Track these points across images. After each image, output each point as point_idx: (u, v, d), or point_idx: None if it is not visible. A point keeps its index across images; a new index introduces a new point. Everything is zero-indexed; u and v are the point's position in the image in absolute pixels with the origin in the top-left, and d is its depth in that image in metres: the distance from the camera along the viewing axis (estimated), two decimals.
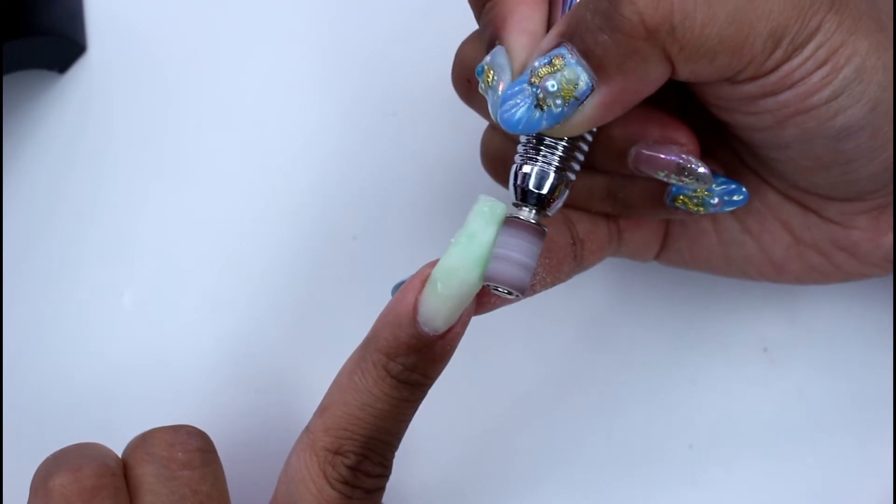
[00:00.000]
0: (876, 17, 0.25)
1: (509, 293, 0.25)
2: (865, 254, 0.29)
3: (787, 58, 0.24)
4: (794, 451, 0.34)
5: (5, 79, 0.40)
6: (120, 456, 0.29)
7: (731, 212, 0.30)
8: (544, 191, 0.25)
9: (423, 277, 0.25)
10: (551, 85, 0.24)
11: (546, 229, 0.25)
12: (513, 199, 0.25)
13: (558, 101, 0.24)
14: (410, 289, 0.25)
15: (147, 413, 0.36)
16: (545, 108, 0.24)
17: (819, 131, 0.25)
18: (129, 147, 0.40)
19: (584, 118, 0.24)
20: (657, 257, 0.32)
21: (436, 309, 0.25)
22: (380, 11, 0.40)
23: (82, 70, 0.41)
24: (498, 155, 0.29)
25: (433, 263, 0.25)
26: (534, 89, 0.24)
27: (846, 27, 0.24)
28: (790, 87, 0.24)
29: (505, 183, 0.29)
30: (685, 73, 0.24)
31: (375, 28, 0.39)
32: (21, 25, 0.38)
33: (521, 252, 0.24)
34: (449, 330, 0.25)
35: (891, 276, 0.31)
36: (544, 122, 0.24)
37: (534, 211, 0.25)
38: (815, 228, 0.30)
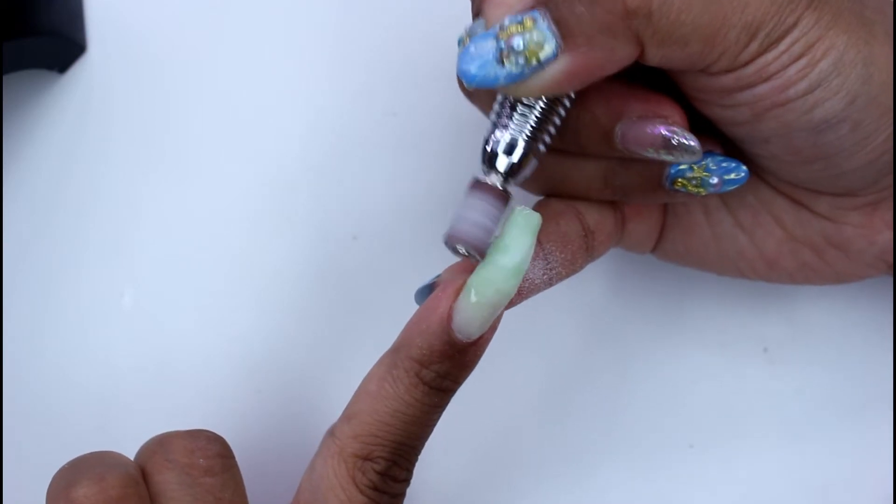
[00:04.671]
0: (858, 13, 0.25)
1: (467, 253, 0.25)
2: (858, 252, 0.29)
3: (763, 51, 0.24)
4: (794, 450, 0.34)
5: (5, 79, 0.39)
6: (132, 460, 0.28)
7: (724, 205, 0.30)
8: (514, 159, 0.25)
9: (456, 287, 0.25)
10: (517, 43, 0.23)
11: (511, 193, 0.25)
12: (480, 162, 0.26)
13: (520, 61, 0.23)
14: (444, 297, 0.25)
15: (147, 414, 0.36)
16: (506, 63, 0.24)
17: (798, 124, 0.25)
18: (129, 147, 0.40)
19: (542, 82, 0.24)
20: (653, 250, 0.32)
21: (471, 317, 0.25)
22: (380, 11, 0.40)
23: (82, 70, 0.41)
24: None
25: (457, 268, 0.26)
26: (499, 43, 0.24)
27: (824, 23, 0.24)
28: (766, 79, 0.24)
29: None
30: (656, 57, 0.24)
31: (376, 28, 0.39)
32: (21, 25, 0.38)
33: (482, 213, 0.25)
34: (480, 336, 0.25)
35: (890, 277, 0.31)
36: (501, 80, 0.24)
37: (500, 177, 0.25)
38: (807, 224, 0.30)
